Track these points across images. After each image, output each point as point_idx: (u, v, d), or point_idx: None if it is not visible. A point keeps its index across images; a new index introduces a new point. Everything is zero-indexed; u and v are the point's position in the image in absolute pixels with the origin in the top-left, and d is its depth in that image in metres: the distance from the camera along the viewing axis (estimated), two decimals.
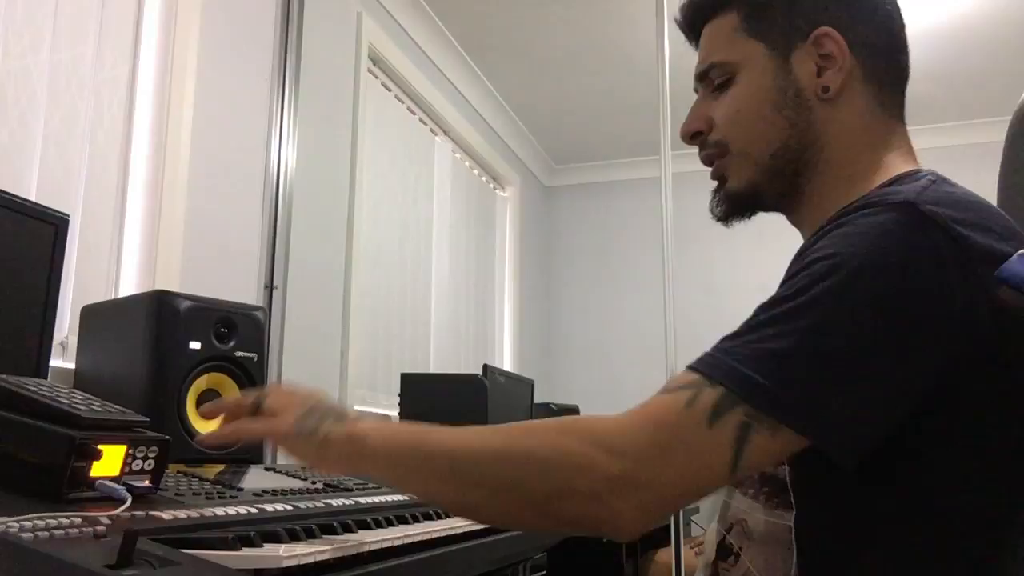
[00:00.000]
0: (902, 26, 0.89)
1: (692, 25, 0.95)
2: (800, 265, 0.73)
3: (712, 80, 0.90)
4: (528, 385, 2.97)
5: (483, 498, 0.73)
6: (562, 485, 0.69)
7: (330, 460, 0.80)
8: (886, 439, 0.69)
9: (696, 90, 0.94)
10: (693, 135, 0.93)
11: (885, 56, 0.87)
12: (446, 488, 0.75)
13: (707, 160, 0.93)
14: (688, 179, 3.35)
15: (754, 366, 0.68)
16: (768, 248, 4.04)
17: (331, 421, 0.81)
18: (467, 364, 3.49)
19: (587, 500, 0.68)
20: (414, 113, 3.18)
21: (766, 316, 0.71)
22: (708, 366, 0.71)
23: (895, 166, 0.84)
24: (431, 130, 3.33)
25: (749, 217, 0.93)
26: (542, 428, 0.73)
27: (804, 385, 0.67)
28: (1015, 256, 0.70)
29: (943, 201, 0.72)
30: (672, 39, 2.54)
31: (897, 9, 0.89)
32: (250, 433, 0.84)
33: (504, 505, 0.73)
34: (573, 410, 3.27)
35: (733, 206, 0.91)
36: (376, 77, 2.87)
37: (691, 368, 0.72)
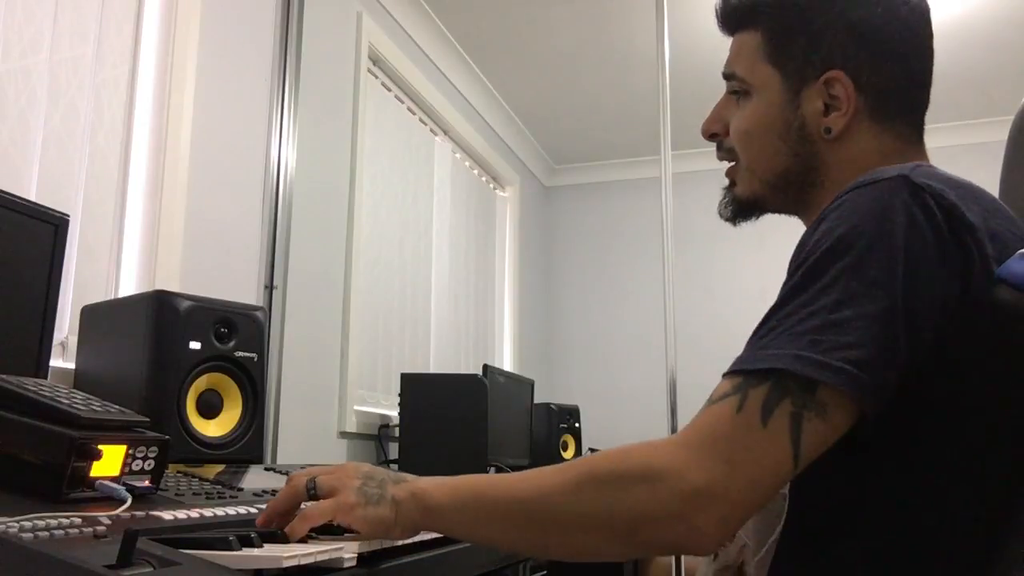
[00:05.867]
0: (926, 63, 0.90)
1: (726, 25, 0.99)
2: (808, 249, 0.75)
3: (734, 87, 0.96)
4: (528, 385, 2.97)
5: (563, 536, 0.74)
6: (639, 512, 0.70)
7: (404, 522, 0.80)
8: (888, 421, 0.71)
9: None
10: (712, 135, 0.99)
11: (902, 95, 0.89)
12: (523, 533, 0.76)
13: (721, 159, 0.99)
14: (688, 179, 3.36)
15: (790, 346, 0.70)
16: (768, 249, 4.04)
17: (392, 482, 0.82)
18: (467, 364, 3.49)
19: (667, 523, 0.69)
20: (414, 113, 3.18)
21: (791, 306, 0.73)
22: (747, 364, 0.72)
23: None
24: (431, 130, 3.33)
25: (756, 218, 0.99)
26: (603, 461, 0.74)
27: (840, 350, 0.68)
28: (1015, 256, 0.71)
29: (933, 177, 0.75)
30: (672, 39, 2.54)
31: (923, 47, 0.89)
32: (319, 517, 0.80)
33: (585, 541, 0.74)
34: (573, 410, 3.27)
35: (739, 210, 0.98)
36: (376, 77, 2.87)
37: (730, 373, 0.73)
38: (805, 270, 0.74)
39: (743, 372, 0.72)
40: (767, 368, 0.70)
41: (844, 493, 0.76)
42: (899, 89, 0.88)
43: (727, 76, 0.97)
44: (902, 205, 0.72)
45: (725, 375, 0.74)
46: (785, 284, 0.76)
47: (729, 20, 0.98)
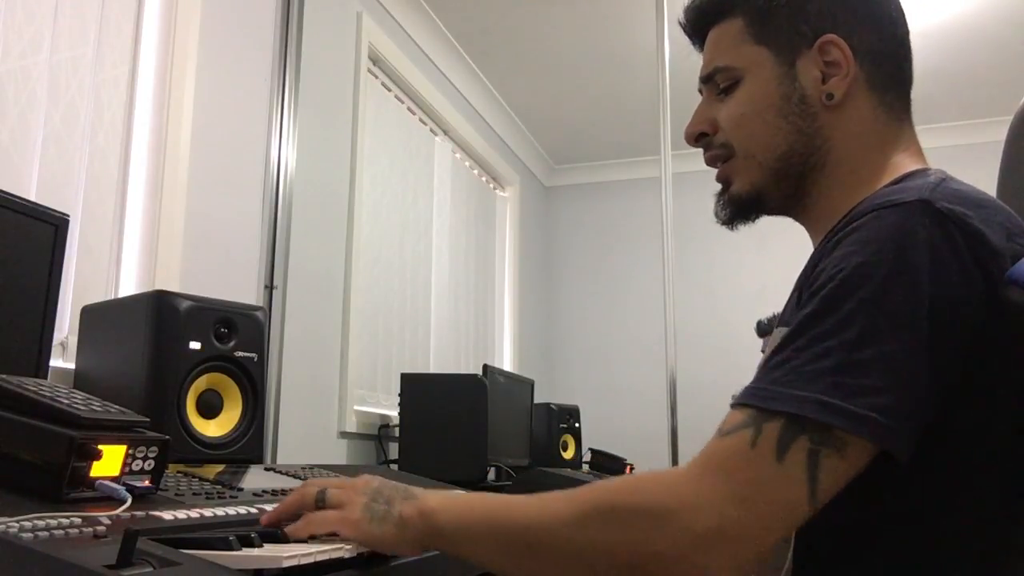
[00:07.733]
0: (906, 32, 0.90)
1: (697, 29, 0.95)
2: (825, 276, 0.73)
3: (717, 84, 0.91)
4: (528, 385, 2.97)
5: (566, 570, 0.72)
6: (646, 550, 0.67)
7: (409, 540, 0.79)
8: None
9: (700, 91, 0.95)
10: (698, 137, 0.94)
11: (890, 62, 0.87)
12: (525, 562, 0.74)
13: (711, 162, 0.94)
14: (688, 179, 3.35)
15: (812, 388, 0.67)
16: (769, 249, 4.05)
17: (400, 499, 0.81)
18: (467, 364, 3.49)
19: (675, 563, 0.67)
20: (414, 113, 3.18)
21: (807, 338, 0.70)
22: (762, 399, 0.70)
23: (903, 165, 0.85)
24: (431, 130, 3.33)
25: (754, 220, 0.94)
26: (612, 493, 0.72)
27: (865, 395, 0.66)
28: None
29: (955, 198, 0.73)
30: (672, 39, 2.54)
31: (902, 15, 0.89)
32: (322, 526, 0.80)
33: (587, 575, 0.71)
34: (573, 410, 3.26)
35: (737, 210, 0.92)
36: (376, 77, 2.87)
37: (741, 404, 0.71)
38: (821, 298, 0.71)
39: (756, 408, 0.69)
40: (786, 412, 0.67)
41: (854, 517, 0.74)
42: (889, 54, 0.87)
43: (707, 77, 0.92)
44: (925, 235, 0.70)
45: (735, 405, 0.71)
46: (800, 310, 0.74)
47: (701, 19, 0.94)
